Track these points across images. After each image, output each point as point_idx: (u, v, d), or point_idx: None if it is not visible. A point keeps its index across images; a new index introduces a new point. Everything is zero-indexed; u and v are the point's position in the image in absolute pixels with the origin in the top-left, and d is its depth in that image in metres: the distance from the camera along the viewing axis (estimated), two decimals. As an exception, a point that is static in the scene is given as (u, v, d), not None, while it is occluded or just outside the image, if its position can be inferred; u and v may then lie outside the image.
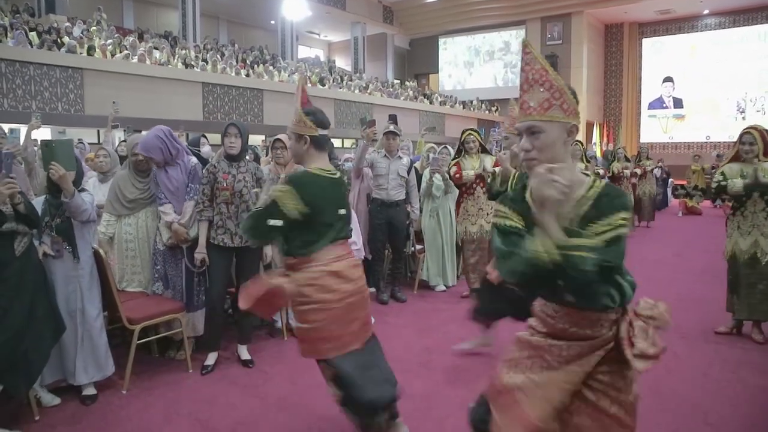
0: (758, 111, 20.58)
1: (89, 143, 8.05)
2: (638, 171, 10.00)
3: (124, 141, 5.63)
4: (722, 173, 4.05)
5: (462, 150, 5.19)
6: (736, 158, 4.09)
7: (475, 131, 5.28)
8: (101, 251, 3.23)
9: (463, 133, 5.31)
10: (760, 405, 3.06)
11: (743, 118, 20.48)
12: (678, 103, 22.45)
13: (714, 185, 4.07)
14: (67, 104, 10.16)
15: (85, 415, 2.99)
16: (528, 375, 1.62)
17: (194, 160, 3.77)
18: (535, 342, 1.65)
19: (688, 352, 3.87)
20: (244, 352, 3.74)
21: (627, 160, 9.54)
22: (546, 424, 1.57)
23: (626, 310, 1.59)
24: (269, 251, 4.06)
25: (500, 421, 1.64)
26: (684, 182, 13.57)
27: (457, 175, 4.98)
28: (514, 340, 1.72)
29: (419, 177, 5.69)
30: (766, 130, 4.00)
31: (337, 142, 15.54)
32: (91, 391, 3.16)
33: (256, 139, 10.84)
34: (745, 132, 4.02)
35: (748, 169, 3.94)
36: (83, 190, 3.07)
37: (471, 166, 5.02)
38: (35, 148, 4.64)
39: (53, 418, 2.94)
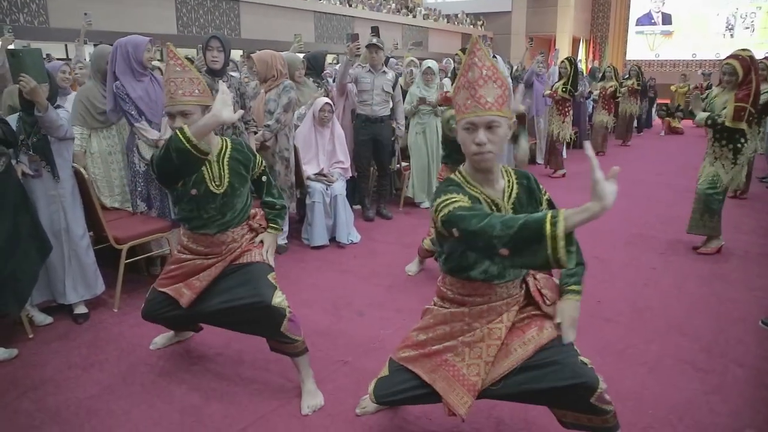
0: (747, 28, 20.25)
1: (57, 59, 7.66)
2: (624, 90, 9.91)
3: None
4: (707, 95, 4.24)
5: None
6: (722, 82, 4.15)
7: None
8: (81, 169, 3.15)
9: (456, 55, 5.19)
10: (731, 315, 3.22)
11: (731, 35, 20.17)
12: (667, 19, 21.94)
13: (688, 109, 4.28)
14: (29, 15, 9.55)
15: (79, 332, 3.03)
16: (456, 339, 1.81)
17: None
18: (455, 311, 1.82)
19: (665, 267, 4.01)
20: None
21: (615, 78, 9.40)
22: (483, 380, 1.76)
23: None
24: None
25: (439, 388, 1.81)
26: (668, 101, 13.52)
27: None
28: (424, 311, 1.93)
29: (404, 94, 5.56)
30: (750, 56, 3.94)
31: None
32: (82, 309, 3.19)
33: (233, 54, 10.41)
34: (726, 62, 4.00)
35: (726, 96, 4.01)
36: (59, 107, 2.93)
37: None
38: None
39: (47, 336, 2.98)
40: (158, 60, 5.84)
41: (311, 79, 5.05)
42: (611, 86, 9.01)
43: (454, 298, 1.83)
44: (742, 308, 3.31)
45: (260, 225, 2.50)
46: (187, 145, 2.03)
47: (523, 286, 1.83)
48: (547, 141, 7.59)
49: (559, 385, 1.71)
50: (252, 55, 4.16)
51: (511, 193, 1.76)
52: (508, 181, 1.78)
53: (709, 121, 3.97)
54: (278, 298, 2.25)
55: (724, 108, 3.93)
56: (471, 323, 1.80)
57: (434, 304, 1.91)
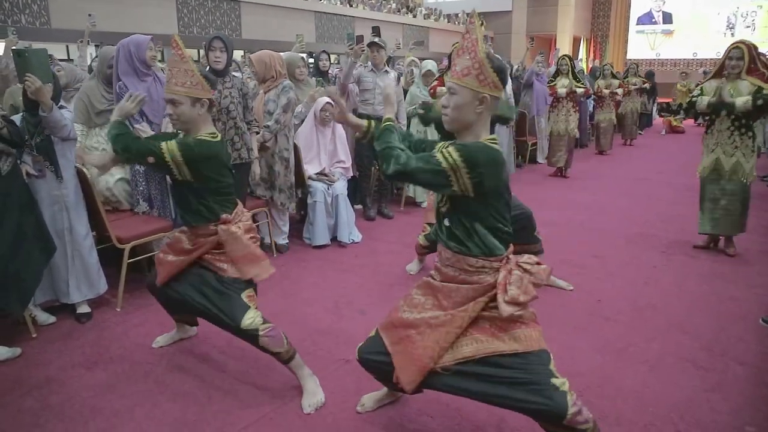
0: (748, 27, 20.22)
1: (59, 60, 7.67)
2: (620, 90, 9.92)
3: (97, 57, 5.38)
4: (701, 89, 4.11)
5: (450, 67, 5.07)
6: (718, 74, 4.06)
7: None
8: (84, 169, 3.17)
9: (454, 47, 5.17)
10: (731, 313, 3.23)
11: (732, 34, 20.13)
12: (667, 18, 21.91)
13: (687, 100, 4.13)
14: (31, 16, 9.56)
15: (82, 332, 3.05)
16: (423, 315, 1.87)
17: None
18: (434, 283, 1.91)
19: (666, 265, 4.02)
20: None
21: (614, 76, 9.41)
22: (435, 362, 1.81)
23: (509, 260, 1.80)
24: (257, 169, 4.03)
25: (395, 359, 1.89)
26: (668, 100, 13.52)
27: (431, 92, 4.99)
28: (419, 282, 1.98)
29: (404, 94, 5.58)
30: (754, 45, 3.94)
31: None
32: (85, 309, 3.20)
33: (234, 55, 10.42)
34: (734, 47, 3.94)
35: (732, 87, 3.92)
36: (62, 107, 2.95)
37: None
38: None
39: (51, 335, 3.00)
40: (160, 61, 5.86)
41: (314, 78, 5.06)
42: (608, 85, 9.01)
43: (436, 265, 1.92)
44: (742, 306, 3.32)
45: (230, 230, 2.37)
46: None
47: (496, 276, 1.80)
48: (549, 140, 7.55)
49: (524, 406, 1.73)
50: (250, 55, 4.16)
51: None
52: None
53: (760, 101, 3.75)
54: (248, 320, 2.26)
55: (760, 92, 3.77)
56: (441, 300, 1.86)
57: (428, 274, 2.00)
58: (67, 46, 10.60)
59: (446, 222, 1.83)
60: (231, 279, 2.35)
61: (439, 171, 1.67)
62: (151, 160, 2.23)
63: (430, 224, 3.67)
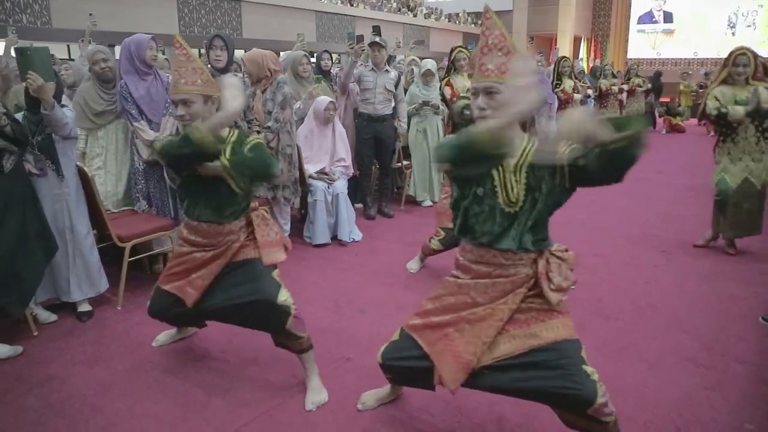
0: (749, 26, 20.20)
1: (60, 59, 7.67)
2: (625, 87, 9.93)
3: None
4: (716, 98, 3.93)
5: (452, 68, 5.08)
6: (723, 80, 3.99)
7: (465, 48, 5.13)
8: (85, 168, 3.17)
9: (452, 50, 5.16)
10: (731, 312, 3.23)
11: (733, 33, 20.12)
12: (668, 17, 21.89)
13: (714, 112, 3.90)
14: (32, 16, 9.58)
15: (83, 330, 3.06)
16: (459, 314, 1.83)
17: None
18: (462, 282, 1.85)
19: (666, 265, 4.02)
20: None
21: (614, 76, 9.42)
22: (478, 359, 1.78)
23: (542, 252, 1.79)
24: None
25: (435, 359, 1.85)
26: (668, 99, 13.51)
27: (454, 98, 4.90)
28: (442, 283, 1.93)
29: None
30: (753, 52, 3.93)
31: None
32: (86, 307, 3.21)
33: (235, 54, 10.42)
34: (741, 53, 3.89)
35: (740, 93, 3.88)
36: (64, 106, 2.95)
37: (462, 86, 4.93)
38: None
39: (52, 334, 3.00)
40: (167, 59, 5.85)
41: (316, 76, 5.08)
42: (612, 84, 9.01)
43: (463, 264, 1.86)
44: (742, 305, 3.32)
45: (261, 218, 2.42)
46: (199, 147, 2.06)
47: (534, 267, 1.79)
48: None
49: (554, 391, 1.72)
50: (242, 56, 4.15)
51: (524, 160, 1.71)
52: (525, 147, 1.73)
53: None
54: (283, 296, 2.27)
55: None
56: (475, 298, 1.82)
57: (450, 275, 1.94)
58: (68, 46, 10.62)
59: (501, 222, 1.75)
60: (260, 261, 2.33)
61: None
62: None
63: (444, 229, 3.63)
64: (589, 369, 1.72)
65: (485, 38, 1.69)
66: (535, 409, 2.24)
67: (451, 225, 1.97)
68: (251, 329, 2.48)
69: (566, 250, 1.83)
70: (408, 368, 1.97)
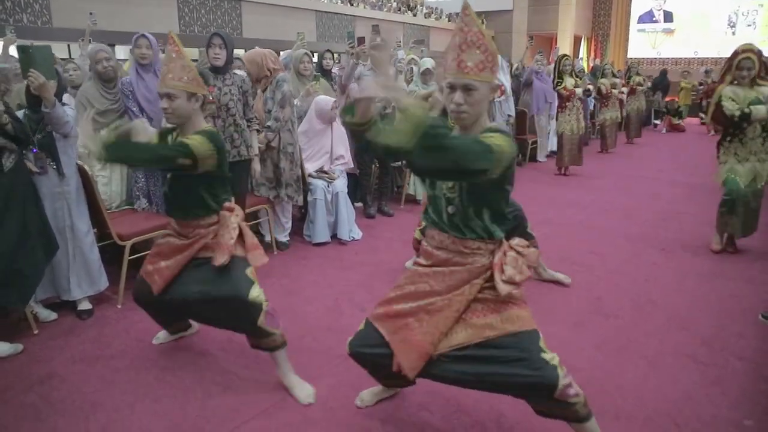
0: (749, 25, 20.18)
1: (60, 59, 7.68)
2: (625, 89, 9.91)
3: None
4: (732, 99, 3.87)
5: None
6: (729, 81, 3.94)
7: None
8: (85, 166, 3.18)
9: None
10: (731, 310, 3.23)
11: (733, 33, 20.11)
12: (668, 17, 21.88)
13: (737, 113, 3.83)
14: (33, 15, 9.57)
15: (84, 328, 3.06)
16: (418, 303, 1.88)
17: None
18: (422, 271, 1.92)
19: (666, 263, 4.02)
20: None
21: (614, 75, 9.41)
22: (435, 348, 1.83)
23: (502, 243, 1.84)
24: (257, 166, 4.04)
25: (394, 347, 1.89)
26: (668, 99, 13.52)
27: None
28: (404, 271, 1.94)
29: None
30: (759, 51, 3.90)
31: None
32: (86, 305, 3.21)
33: (236, 54, 10.42)
34: (745, 57, 3.84)
35: (749, 93, 3.85)
36: (65, 104, 2.96)
37: None
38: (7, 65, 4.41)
39: (52, 332, 3.01)
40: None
41: (317, 74, 5.08)
42: (612, 84, 9.00)
43: (426, 249, 1.93)
44: (742, 302, 3.32)
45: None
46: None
47: (491, 258, 1.84)
48: (560, 140, 7.43)
49: (516, 380, 1.76)
50: (242, 56, 4.16)
51: None
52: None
53: None
54: (255, 292, 2.29)
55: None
56: (434, 286, 1.87)
57: (413, 262, 2.01)
58: (68, 45, 10.61)
59: (450, 209, 1.82)
60: (236, 259, 2.35)
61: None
62: (187, 162, 2.20)
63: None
64: (548, 356, 1.76)
65: (464, 34, 1.70)
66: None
67: None
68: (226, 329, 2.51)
69: (528, 246, 1.86)
70: (371, 355, 2.02)
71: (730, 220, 4.14)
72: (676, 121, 12.74)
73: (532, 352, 1.76)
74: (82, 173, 3.15)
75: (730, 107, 3.87)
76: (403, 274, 2.00)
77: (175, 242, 2.45)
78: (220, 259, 2.31)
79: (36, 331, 2.98)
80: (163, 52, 6.03)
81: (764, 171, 4.00)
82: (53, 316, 3.15)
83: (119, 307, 3.30)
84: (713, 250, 4.26)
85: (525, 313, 1.83)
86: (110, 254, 3.46)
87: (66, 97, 3.07)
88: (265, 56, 4.04)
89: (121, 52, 9.83)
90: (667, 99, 13.59)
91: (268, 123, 4.03)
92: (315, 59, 5.76)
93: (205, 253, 2.40)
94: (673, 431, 2.17)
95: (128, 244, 3.29)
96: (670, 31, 21.95)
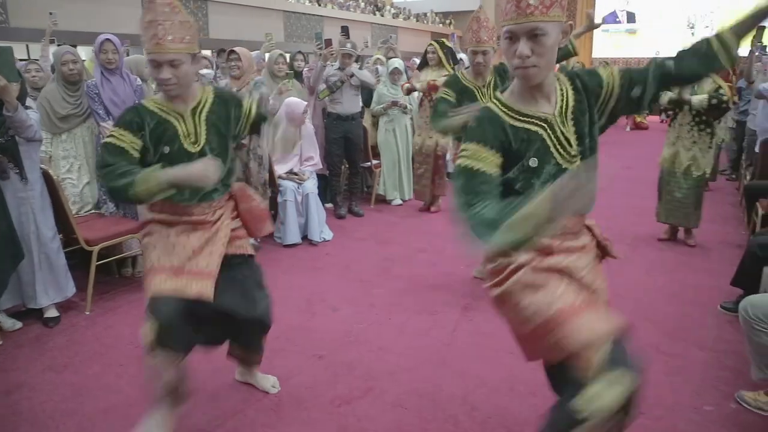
0: (707, 27, 20.83)
1: (19, 59, 7.46)
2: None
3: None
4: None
5: (425, 63, 5.18)
6: None
7: (438, 42, 5.17)
8: (50, 171, 3.11)
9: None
10: (693, 301, 3.35)
11: (692, 34, 20.74)
12: (631, 18, 22.45)
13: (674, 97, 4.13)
14: (-11, 15, 9.29)
15: (51, 336, 3.00)
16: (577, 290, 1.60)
17: (140, 79, 3.67)
18: (554, 263, 1.60)
19: (632, 257, 4.14)
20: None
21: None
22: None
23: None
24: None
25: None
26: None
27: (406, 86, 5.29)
28: (527, 271, 1.61)
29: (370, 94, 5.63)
30: None
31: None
32: (53, 313, 3.14)
33: (205, 52, 10.28)
34: None
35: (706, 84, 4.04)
36: (28, 107, 2.89)
37: (425, 79, 5.04)
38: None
39: (18, 341, 2.94)
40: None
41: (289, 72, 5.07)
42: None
43: (557, 247, 1.68)
44: (703, 294, 3.45)
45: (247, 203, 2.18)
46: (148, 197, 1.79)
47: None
48: None
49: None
50: (236, 48, 4.13)
51: (565, 105, 1.52)
52: (561, 90, 1.52)
53: (714, 101, 3.94)
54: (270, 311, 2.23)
55: (717, 91, 3.94)
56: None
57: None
58: (27, 46, 10.32)
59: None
60: (253, 268, 2.18)
61: None
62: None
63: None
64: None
65: None
66: (506, 401, 2.30)
67: None
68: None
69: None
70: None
71: (659, 205, 4.41)
72: (639, 119, 13.07)
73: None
74: (47, 178, 3.08)
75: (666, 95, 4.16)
76: (533, 272, 1.60)
77: (192, 235, 2.02)
78: (263, 231, 2.21)
79: (0, 342, 2.90)
80: (128, 54, 5.93)
81: (687, 159, 4.18)
82: (18, 325, 3.06)
83: (88, 313, 3.24)
84: (659, 238, 4.51)
85: None
86: (78, 260, 3.40)
87: (29, 100, 2.99)
88: (253, 59, 4.08)
89: (83, 53, 9.60)
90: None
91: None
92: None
93: (234, 249, 2.10)
94: (637, 417, 2.24)
95: (96, 249, 3.23)
96: (633, 32, 22.52)
